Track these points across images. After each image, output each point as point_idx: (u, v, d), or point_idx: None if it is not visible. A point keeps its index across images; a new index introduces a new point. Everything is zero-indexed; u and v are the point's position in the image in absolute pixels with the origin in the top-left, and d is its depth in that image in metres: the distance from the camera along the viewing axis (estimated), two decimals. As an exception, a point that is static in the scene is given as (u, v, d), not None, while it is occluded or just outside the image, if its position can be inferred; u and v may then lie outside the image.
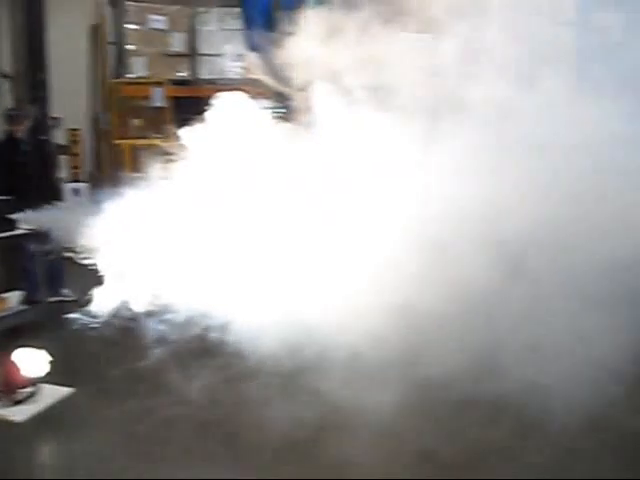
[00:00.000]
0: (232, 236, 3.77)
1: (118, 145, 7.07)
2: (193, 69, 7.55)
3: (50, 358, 3.34)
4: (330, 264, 3.62)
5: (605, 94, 3.47)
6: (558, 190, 3.48)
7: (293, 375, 3.27)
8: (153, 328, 3.68)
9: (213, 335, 3.55)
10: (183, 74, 7.52)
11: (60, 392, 3.34)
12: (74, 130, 6.98)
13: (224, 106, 3.95)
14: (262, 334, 3.47)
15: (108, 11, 7.44)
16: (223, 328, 3.56)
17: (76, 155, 7.00)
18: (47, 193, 4.55)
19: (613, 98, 3.47)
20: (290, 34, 3.78)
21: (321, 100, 3.61)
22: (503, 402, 2.95)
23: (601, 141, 3.50)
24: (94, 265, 3.71)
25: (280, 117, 4.02)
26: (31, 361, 3.32)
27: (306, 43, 3.58)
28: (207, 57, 7.51)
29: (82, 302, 4.02)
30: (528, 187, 3.48)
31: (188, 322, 3.61)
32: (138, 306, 3.70)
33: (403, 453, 2.81)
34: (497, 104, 3.47)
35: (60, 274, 4.66)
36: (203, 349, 3.56)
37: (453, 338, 3.26)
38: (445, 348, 3.20)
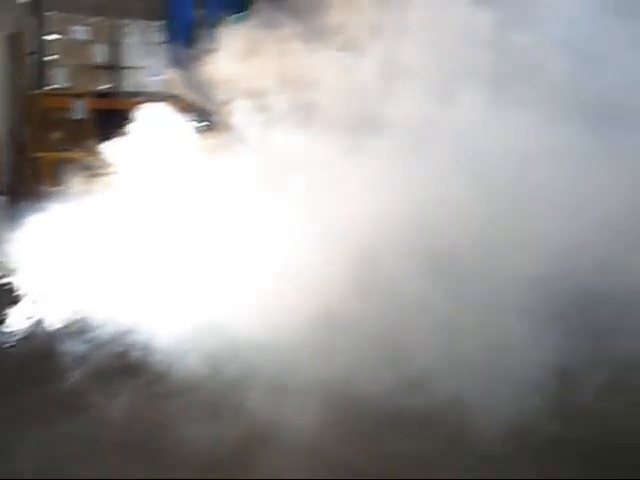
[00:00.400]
0: (155, 250, 3.74)
1: (38, 158, 6.88)
2: (116, 81, 7.42)
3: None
4: (256, 277, 3.62)
5: (521, 113, 3.60)
6: (478, 204, 3.58)
7: (218, 391, 3.24)
8: (72, 347, 3.59)
9: (135, 353, 3.49)
10: (105, 86, 7.39)
11: (-26, 415, 3.22)
12: (-9, 142, 6.77)
13: (146, 119, 3.92)
14: (186, 350, 3.43)
15: (28, 20, 7.25)
16: (146, 345, 3.51)
17: (-7, 167, 6.78)
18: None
19: (528, 117, 3.60)
20: (212, 50, 3.79)
21: (242, 117, 3.63)
22: (426, 416, 3.01)
23: (517, 157, 3.63)
24: (10, 282, 3.61)
25: (202, 132, 4.02)
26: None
27: (228, 60, 3.59)
28: (130, 70, 7.40)
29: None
30: (448, 201, 3.57)
31: (109, 340, 3.54)
32: (57, 324, 3.61)
33: (328, 466, 2.82)
34: (417, 121, 3.56)
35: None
36: (125, 367, 3.49)
37: (377, 352, 3.31)
38: (370, 362, 3.24)
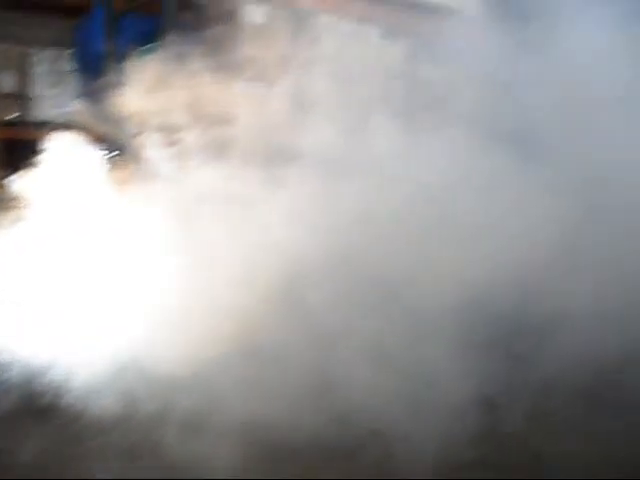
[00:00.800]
0: (66, 285, 3.63)
1: (-59, 190, 6.58)
2: (23, 111, 7.21)
3: None
4: (173, 311, 3.54)
5: (434, 143, 3.68)
6: (400, 233, 3.62)
7: (134, 432, 3.13)
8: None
9: (47, 395, 3.34)
10: (13, 115, 7.16)
11: None
12: None
13: (55, 150, 3.83)
14: (101, 389, 3.31)
15: None
16: (59, 386, 3.36)
17: None
18: None
19: (447, 146, 3.68)
20: (122, 82, 3.75)
21: (153, 149, 3.59)
22: (351, 447, 3.02)
23: (438, 186, 3.69)
24: None
25: (112, 163, 3.95)
26: None
27: (137, 92, 3.55)
28: (38, 99, 7.21)
29: None
30: (369, 230, 3.59)
31: (19, 382, 3.38)
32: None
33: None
34: (334, 151, 3.59)
35: None
36: (36, 410, 3.32)
37: (301, 384, 3.27)
38: (293, 396, 3.20)
